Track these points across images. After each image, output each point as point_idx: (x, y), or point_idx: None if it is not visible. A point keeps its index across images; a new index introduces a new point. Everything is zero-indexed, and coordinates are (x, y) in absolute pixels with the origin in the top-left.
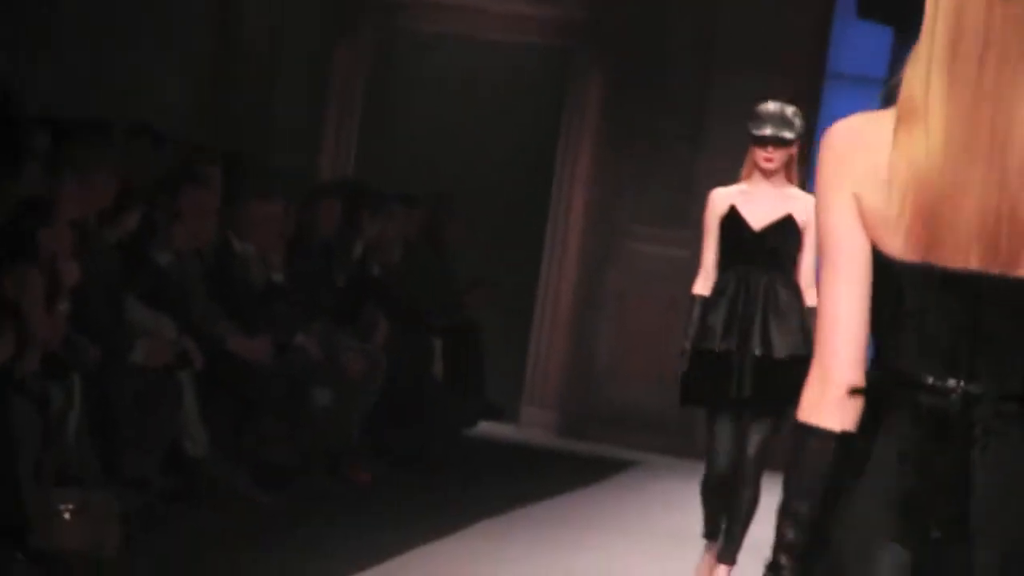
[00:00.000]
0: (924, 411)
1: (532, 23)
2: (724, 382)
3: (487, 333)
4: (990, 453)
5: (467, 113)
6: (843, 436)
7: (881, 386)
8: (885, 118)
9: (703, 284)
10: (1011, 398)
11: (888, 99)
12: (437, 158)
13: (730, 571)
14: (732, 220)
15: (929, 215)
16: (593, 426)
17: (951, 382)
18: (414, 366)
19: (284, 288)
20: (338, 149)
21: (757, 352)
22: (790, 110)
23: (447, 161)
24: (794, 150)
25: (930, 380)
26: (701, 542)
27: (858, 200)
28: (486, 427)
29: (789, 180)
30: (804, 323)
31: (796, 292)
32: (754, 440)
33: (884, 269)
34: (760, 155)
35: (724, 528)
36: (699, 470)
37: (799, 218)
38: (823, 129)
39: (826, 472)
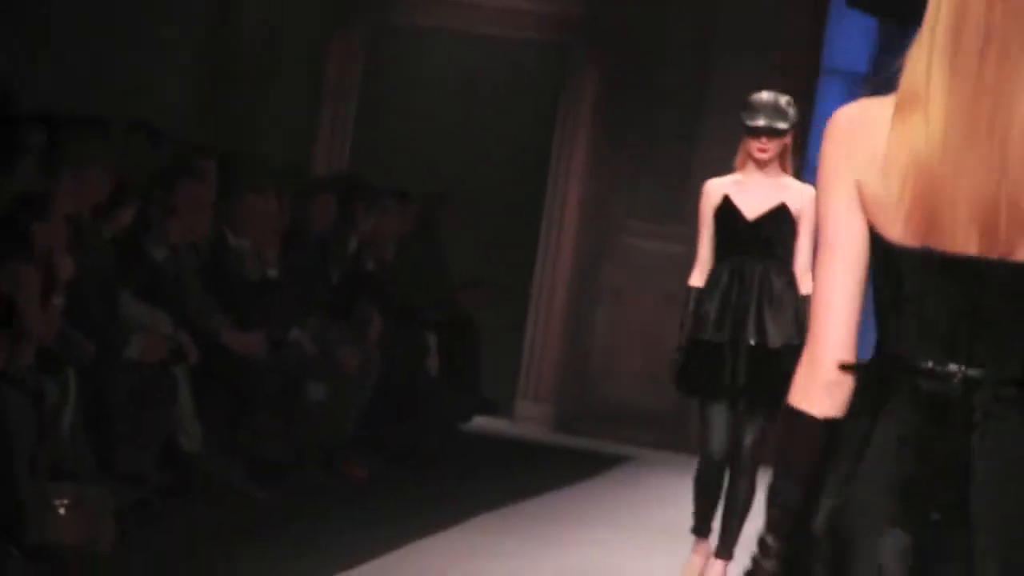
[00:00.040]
0: (924, 396)
1: (528, 18)
2: (717, 372)
3: (482, 328)
4: (990, 438)
5: (462, 109)
6: (830, 421)
7: (881, 371)
8: (889, 105)
9: (699, 276)
10: (1010, 382)
11: (886, 88)
12: (432, 153)
13: (727, 566)
14: (726, 210)
15: (928, 201)
16: (588, 421)
17: (951, 367)
18: (409, 361)
19: (279, 283)
20: (333, 144)
21: (752, 341)
22: (784, 100)
23: (442, 156)
24: (788, 140)
25: (930, 365)
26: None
27: (859, 186)
28: (481, 422)
29: (783, 170)
30: (799, 313)
31: (791, 282)
32: (750, 431)
33: (884, 254)
34: (754, 145)
35: (721, 523)
36: (693, 465)
37: (793, 207)
38: (819, 125)
39: (813, 455)
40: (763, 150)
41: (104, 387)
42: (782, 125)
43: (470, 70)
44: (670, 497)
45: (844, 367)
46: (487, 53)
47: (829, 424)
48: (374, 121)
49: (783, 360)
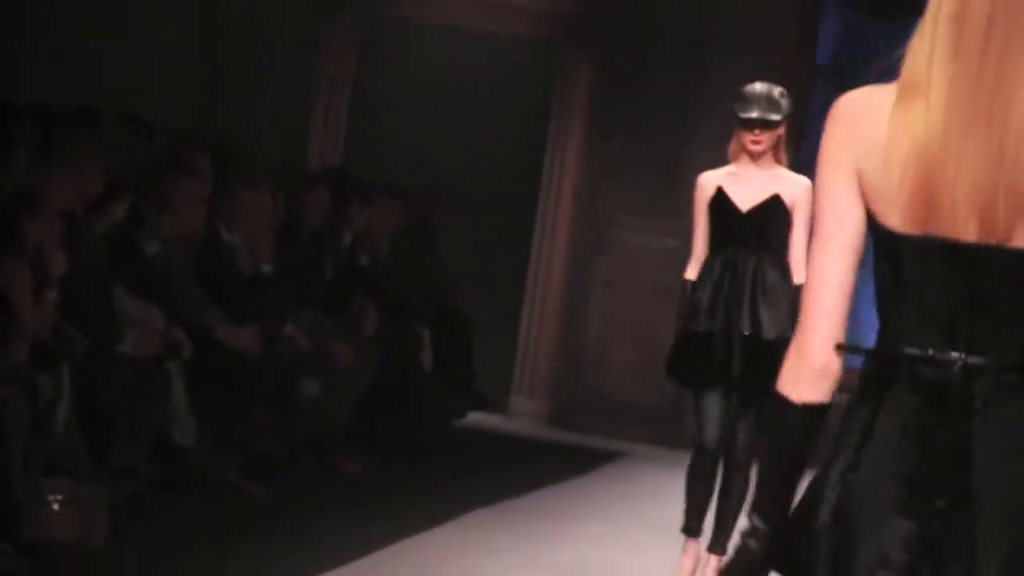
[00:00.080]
0: (924, 384)
1: (522, 14)
2: (709, 362)
3: (476, 323)
4: (990, 425)
5: (456, 104)
6: (816, 407)
7: (883, 360)
8: (891, 92)
9: (694, 269)
10: (1011, 369)
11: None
12: (426, 148)
13: (722, 561)
14: (719, 202)
15: (928, 188)
16: (582, 416)
17: (952, 354)
18: (403, 356)
19: (273, 278)
20: (326, 139)
21: (746, 332)
22: (777, 91)
23: (436, 152)
24: (781, 131)
25: (930, 352)
26: None
27: (860, 174)
28: (475, 417)
29: (777, 161)
30: (792, 305)
31: (785, 273)
32: (744, 425)
33: (884, 242)
34: (747, 137)
35: (715, 517)
36: (687, 460)
37: (787, 198)
38: (813, 120)
39: (800, 440)
40: (756, 142)
41: (98, 382)
42: (775, 117)
43: (464, 65)
44: (664, 493)
45: (846, 348)
46: (481, 48)
47: (815, 410)
48: (368, 116)
49: (777, 352)
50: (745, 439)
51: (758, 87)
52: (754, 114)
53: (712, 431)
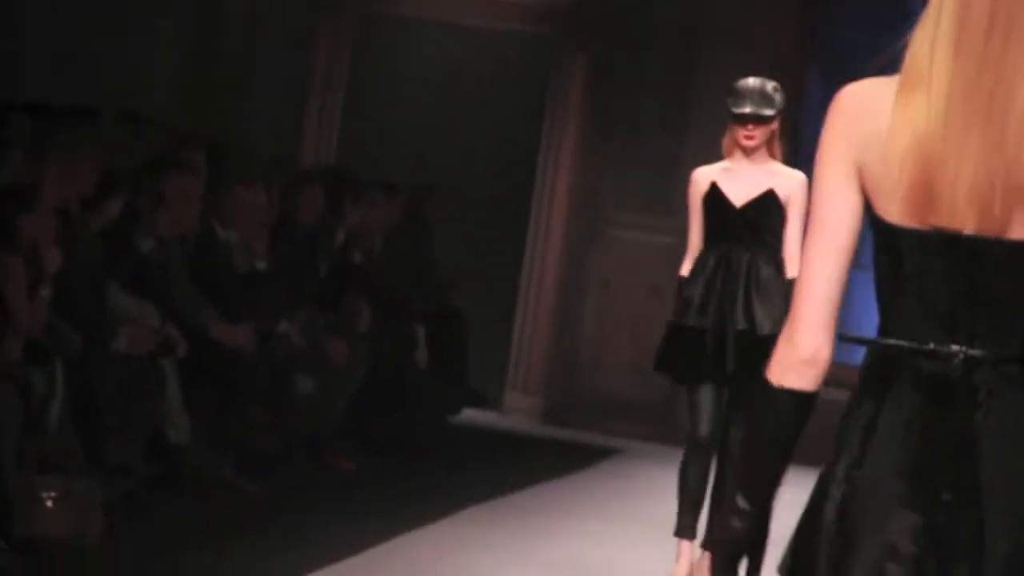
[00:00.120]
0: (926, 377)
1: (516, 9)
2: (700, 358)
3: (470, 320)
4: (993, 416)
5: (450, 100)
6: (804, 395)
7: (884, 354)
8: (893, 85)
9: (689, 265)
10: (1012, 361)
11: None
12: (420, 145)
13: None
14: (713, 198)
15: (928, 180)
16: (576, 413)
17: (952, 347)
18: (397, 353)
19: (267, 275)
20: (320, 136)
21: (740, 327)
22: (770, 86)
23: (430, 148)
24: (775, 126)
25: (932, 346)
26: None
27: (860, 166)
28: (469, 414)
29: (772, 156)
30: (787, 300)
31: (779, 269)
32: (738, 419)
33: (884, 235)
34: (740, 133)
35: (708, 513)
36: (682, 457)
37: (781, 193)
38: (808, 114)
39: (788, 428)
40: (750, 137)
41: (92, 379)
42: (768, 111)
43: (458, 61)
44: (659, 489)
45: (847, 339)
46: (474, 44)
47: (803, 397)
48: (362, 113)
49: (772, 347)
50: (738, 434)
51: (751, 82)
52: (747, 109)
53: (706, 426)
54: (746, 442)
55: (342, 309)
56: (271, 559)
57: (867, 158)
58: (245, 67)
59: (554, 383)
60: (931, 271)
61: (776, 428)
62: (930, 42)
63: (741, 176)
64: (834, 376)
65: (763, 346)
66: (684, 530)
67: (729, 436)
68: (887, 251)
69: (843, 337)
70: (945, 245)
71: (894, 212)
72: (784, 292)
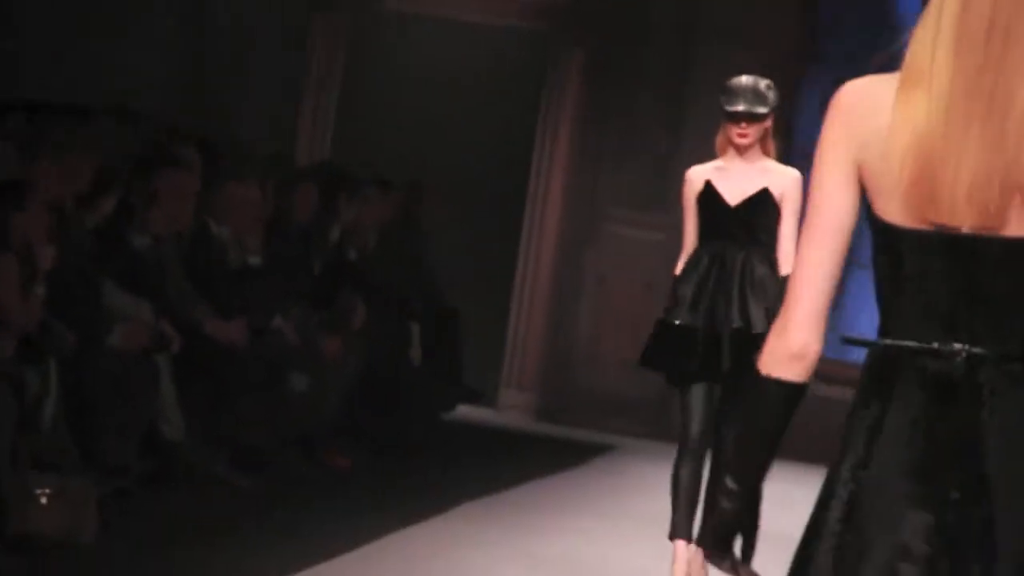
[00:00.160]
0: (930, 376)
1: (512, 5)
2: (691, 357)
3: (465, 317)
4: (998, 414)
5: (446, 96)
6: (793, 386)
7: (887, 355)
8: (894, 82)
9: (683, 264)
10: (1014, 359)
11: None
12: (415, 142)
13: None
14: (708, 196)
15: (927, 178)
16: (571, 410)
17: (954, 346)
18: (391, 350)
19: (261, 272)
20: (315, 133)
21: (736, 325)
22: (763, 84)
23: (425, 144)
24: (768, 124)
25: (934, 345)
26: None
27: (860, 165)
28: (464, 411)
29: (765, 153)
30: (781, 298)
31: (773, 268)
32: (731, 418)
33: (884, 235)
34: (734, 131)
35: (702, 513)
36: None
37: (776, 192)
38: (804, 111)
39: (776, 418)
40: (743, 135)
41: (86, 376)
42: (762, 109)
43: (453, 58)
44: (653, 486)
45: (851, 341)
46: (470, 41)
47: (792, 388)
48: (357, 109)
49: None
50: (731, 432)
51: (744, 80)
52: (740, 107)
53: (697, 427)
54: (736, 429)
55: (336, 306)
56: (265, 555)
57: (867, 156)
58: (240, 64)
59: (549, 380)
60: (931, 271)
61: (765, 418)
62: (931, 40)
63: (735, 175)
64: (830, 372)
65: (758, 345)
66: (679, 530)
67: (721, 435)
68: (887, 251)
69: (846, 339)
70: (945, 245)
71: (894, 211)
72: (778, 290)
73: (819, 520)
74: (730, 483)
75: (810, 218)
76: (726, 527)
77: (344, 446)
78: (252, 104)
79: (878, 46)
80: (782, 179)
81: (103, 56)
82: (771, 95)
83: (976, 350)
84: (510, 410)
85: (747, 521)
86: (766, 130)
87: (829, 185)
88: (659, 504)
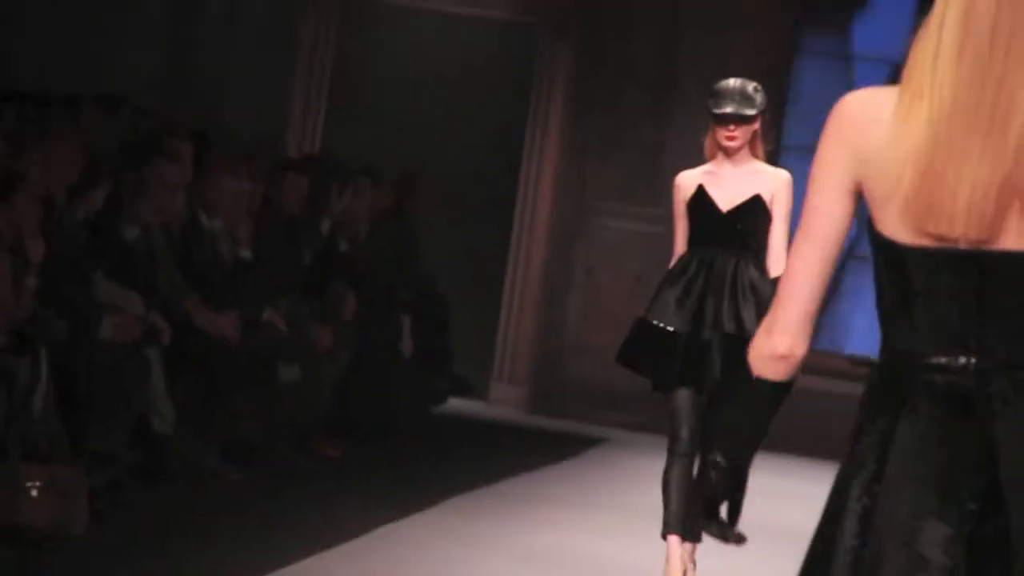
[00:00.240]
0: (941, 390)
1: None
2: (673, 362)
3: (456, 308)
4: (1011, 424)
5: (435, 89)
6: (778, 384)
7: (895, 370)
8: (895, 94)
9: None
10: (1023, 368)
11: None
12: (405, 133)
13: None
14: (700, 202)
15: (928, 190)
16: (562, 402)
17: (963, 360)
18: (382, 342)
19: (252, 264)
20: (305, 124)
21: (728, 330)
22: (751, 86)
23: (415, 136)
24: (756, 126)
25: (943, 360)
26: None
27: (860, 178)
28: (455, 403)
29: (754, 155)
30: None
31: (764, 273)
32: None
33: (888, 252)
34: (722, 134)
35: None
36: (667, 445)
37: (766, 196)
38: (793, 103)
39: (765, 410)
40: (731, 137)
41: (76, 368)
42: (749, 111)
43: (442, 50)
44: (644, 478)
45: (857, 361)
46: (459, 33)
47: (777, 386)
48: (347, 101)
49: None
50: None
51: (732, 83)
52: (728, 109)
53: (686, 429)
54: (728, 415)
55: (327, 297)
56: (256, 547)
57: (867, 170)
58: (230, 55)
59: (539, 372)
60: (939, 287)
61: (755, 409)
62: (932, 52)
63: (726, 180)
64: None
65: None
66: (671, 527)
67: (710, 436)
68: (892, 267)
69: (854, 359)
70: (950, 261)
71: (895, 224)
72: (771, 294)
73: (831, 536)
74: (719, 459)
75: (803, 225)
76: (713, 497)
77: (334, 437)
78: (242, 95)
79: (863, 38)
80: (773, 181)
81: (92, 47)
82: (759, 97)
83: (984, 363)
84: (501, 402)
85: (734, 488)
86: (755, 132)
87: (825, 195)
88: (650, 496)
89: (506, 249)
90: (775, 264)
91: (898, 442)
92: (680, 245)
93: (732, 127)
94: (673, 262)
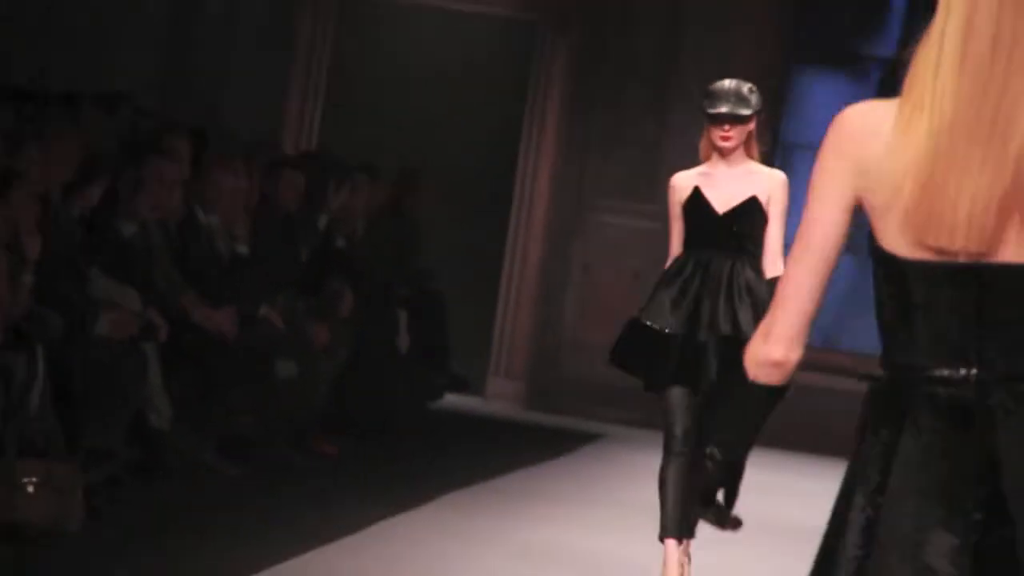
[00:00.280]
0: (943, 402)
1: None
2: (667, 363)
3: (453, 305)
4: (1012, 434)
5: (433, 85)
6: (772, 388)
7: (897, 382)
8: (894, 107)
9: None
10: (1023, 379)
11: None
12: (402, 130)
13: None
14: (696, 203)
15: (928, 201)
16: (559, 398)
17: (964, 371)
18: (379, 338)
19: (248, 260)
20: (303, 120)
21: (724, 332)
22: (746, 87)
23: (412, 133)
24: (752, 126)
25: (945, 373)
26: None
27: (861, 190)
28: (452, 399)
29: (750, 156)
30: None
31: (760, 275)
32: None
33: (889, 265)
34: (717, 134)
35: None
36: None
37: (762, 197)
38: (792, 103)
39: (760, 410)
40: (726, 138)
41: (73, 364)
42: (744, 111)
43: (442, 46)
44: (641, 473)
45: (863, 377)
46: (458, 30)
47: (773, 390)
48: (344, 97)
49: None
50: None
51: (727, 83)
52: (723, 109)
53: (681, 428)
54: (724, 414)
55: (324, 293)
56: (252, 543)
57: (868, 183)
58: (229, 55)
59: (536, 368)
60: (940, 300)
61: (751, 410)
62: (933, 63)
63: (722, 181)
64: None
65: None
66: (669, 530)
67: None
68: (892, 281)
69: (859, 375)
70: (949, 274)
71: (896, 237)
72: (767, 295)
73: (834, 547)
74: (716, 453)
75: (801, 239)
76: (710, 485)
77: (331, 433)
78: (239, 92)
79: (864, 38)
80: (768, 182)
81: (89, 44)
82: (754, 98)
83: (985, 375)
84: (498, 398)
85: (730, 478)
86: (750, 133)
87: (824, 206)
88: (647, 492)
89: (503, 245)
90: (771, 265)
91: (901, 455)
92: (676, 246)
93: (727, 127)
94: (669, 263)
